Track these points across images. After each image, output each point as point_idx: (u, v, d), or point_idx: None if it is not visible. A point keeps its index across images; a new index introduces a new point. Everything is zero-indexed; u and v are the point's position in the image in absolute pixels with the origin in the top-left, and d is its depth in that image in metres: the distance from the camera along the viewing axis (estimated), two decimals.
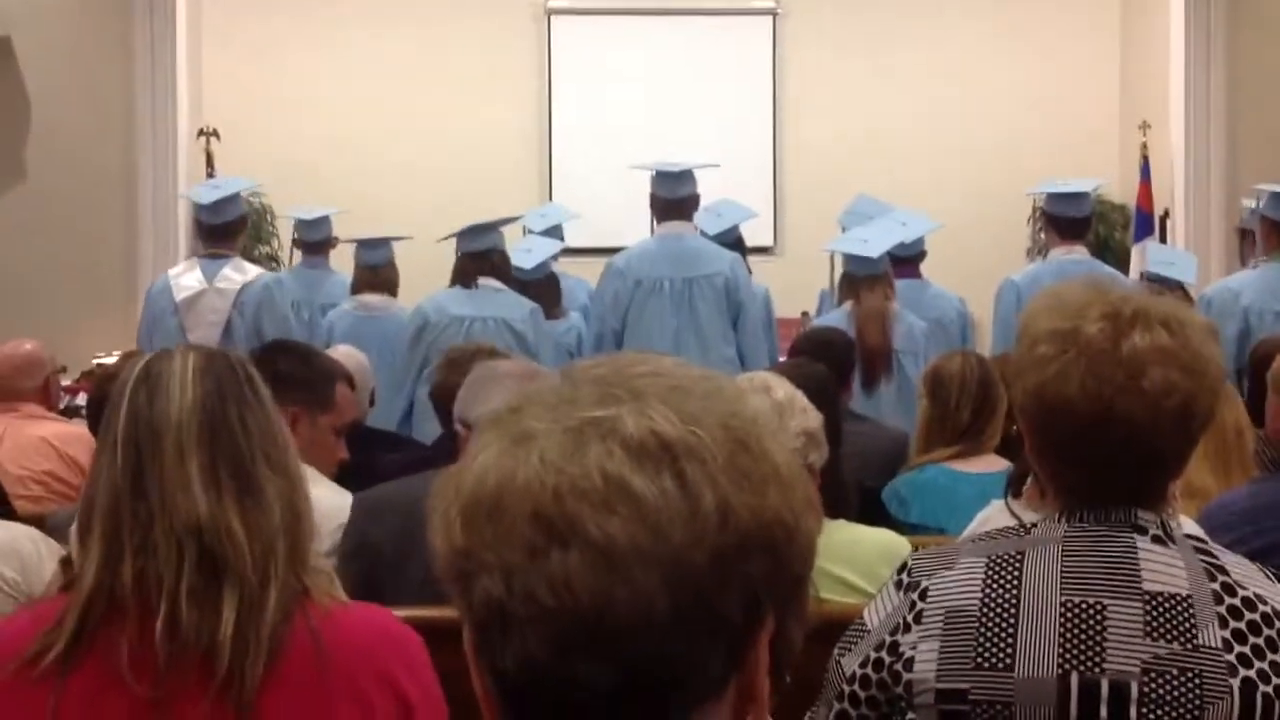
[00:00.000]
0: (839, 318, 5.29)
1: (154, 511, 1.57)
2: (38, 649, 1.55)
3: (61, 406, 4.98)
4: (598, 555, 0.86)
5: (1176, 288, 5.08)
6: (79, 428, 4.28)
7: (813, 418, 2.58)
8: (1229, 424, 3.10)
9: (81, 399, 5.71)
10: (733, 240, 6.12)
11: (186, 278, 5.45)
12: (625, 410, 0.89)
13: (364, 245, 6.13)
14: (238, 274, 5.41)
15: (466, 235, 5.64)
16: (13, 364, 4.36)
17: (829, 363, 3.78)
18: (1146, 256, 6.56)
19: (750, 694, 0.92)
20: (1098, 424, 1.60)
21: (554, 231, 6.61)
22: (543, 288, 5.90)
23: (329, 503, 3.02)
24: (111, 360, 6.15)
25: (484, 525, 0.89)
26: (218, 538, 1.57)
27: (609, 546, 0.86)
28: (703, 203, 5.98)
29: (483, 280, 5.52)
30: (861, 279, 5.34)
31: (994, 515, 2.62)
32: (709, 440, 0.89)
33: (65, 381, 5.65)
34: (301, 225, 6.79)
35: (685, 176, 5.79)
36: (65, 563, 2.29)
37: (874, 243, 5.42)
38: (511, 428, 0.91)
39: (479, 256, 5.55)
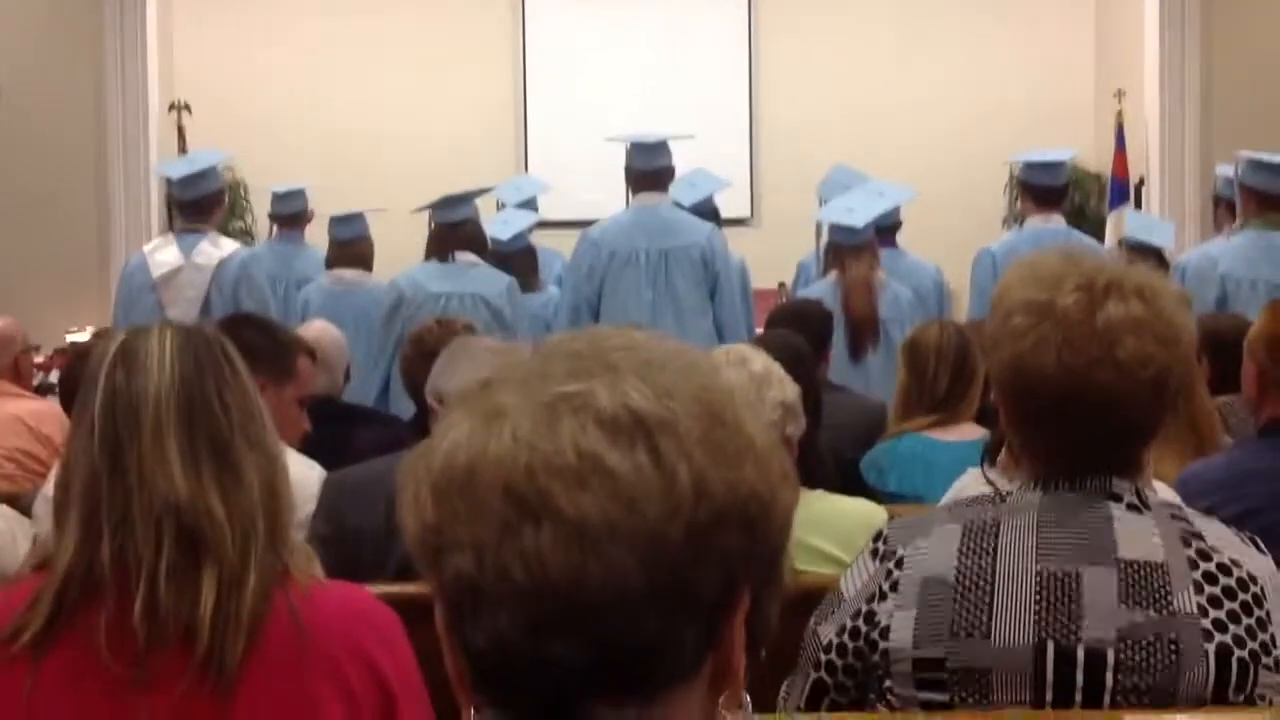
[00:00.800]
0: (825, 288, 5.29)
1: (132, 490, 1.55)
2: (13, 629, 1.53)
3: (35, 384, 4.95)
4: (571, 531, 0.85)
5: (1154, 254, 5.08)
6: (52, 405, 4.25)
7: (790, 389, 2.58)
8: (1201, 414, 3.09)
9: (54, 376, 5.67)
10: (708, 211, 6.10)
11: (163, 254, 5.39)
12: (598, 384, 0.88)
13: (336, 220, 6.10)
14: (215, 249, 5.35)
15: (441, 206, 5.62)
16: None
17: (806, 334, 3.78)
18: (1125, 223, 6.58)
19: (727, 671, 0.91)
20: (1073, 395, 1.61)
21: (529, 204, 6.59)
22: (520, 260, 5.88)
23: (297, 473, 3.02)
24: (84, 337, 6.11)
25: (455, 501, 0.88)
26: (197, 517, 1.55)
27: (582, 522, 0.85)
28: (678, 174, 5.97)
29: (458, 254, 5.50)
30: (847, 248, 5.33)
31: (969, 484, 2.62)
32: (683, 414, 0.88)
33: (38, 359, 5.61)
34: (276, 199, 6.74)
35: (660, 148, 5.77)
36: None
37: (860, 212, 5.41)
38: (483, 403, 0.90)
39: (454, 228, 5.53)
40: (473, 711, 0.92)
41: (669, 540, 0.86)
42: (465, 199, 5.63)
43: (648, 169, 5.75)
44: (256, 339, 2.91)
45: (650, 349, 0.92)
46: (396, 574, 2.51)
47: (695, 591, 0.87)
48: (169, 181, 5.85)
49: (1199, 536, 1.63)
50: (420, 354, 3.55)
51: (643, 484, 0.86)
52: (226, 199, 6.11)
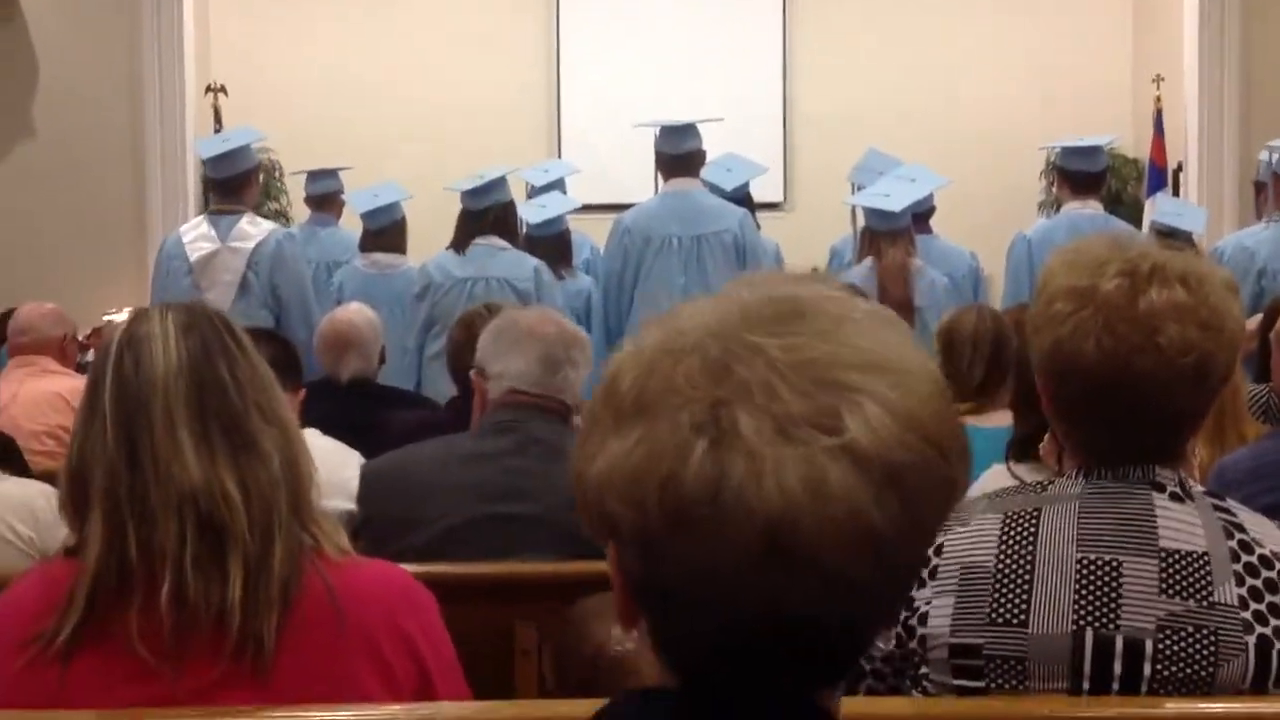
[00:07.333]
0: (860, 273, 5.26)
1: (149, 482, 1.56)
2: (49, 633, 1.54)
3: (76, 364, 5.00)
4: (824, 578, 0.86)
5: (1185, 239, 5.03)
6: None
7: None
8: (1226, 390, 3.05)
9: (91, 356, 5.71)
10: (742, 197, 6.08)
11: (200, 236, 5.37)
12: (847, 414, 0.86)
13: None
14: (253, 228, 5.33)
15: (466, 194, 5.61)
16: (31, 321, 4.51)
17: None
18: (1156, 207, 6.52)
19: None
20: (1114, 382, 1.59)
21: (556, 186, 6.58)
22: (553, 246, 5.87)
23: (337, 459, 3.04)
24: (121, 318, 6.14)
25: (692, 528, 0.86)
26: (214, 503, 1.55)
27: (838, 573, 0.86)
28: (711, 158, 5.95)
29: (483, 240, 5.48)
30: (883, 234, 5.30)
31: (992, 480, 2.60)
32: (919, 448, 0.88)
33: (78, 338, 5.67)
34: (308, 181, 6.76)
35: (689, 131, 5.76)
36: None
37: (896, 197, 5.37)
38: (708, 414, 0.86)
39: (478, 215, 5.52)
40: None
41: (905, 578, 0.94)
42: (489, 187, 5.60)
43: (677, 153, 5.74)
44: (272, 350, 2.93)
45: (872, 350, 0.90)
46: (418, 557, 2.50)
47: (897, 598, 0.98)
48: (203, 162, 5.85)
49: (1242, 528, 1.62)
50: (469, 338, 3.54)
51: (895, 536, 0.86)
52: (260, 178, 6.12)
